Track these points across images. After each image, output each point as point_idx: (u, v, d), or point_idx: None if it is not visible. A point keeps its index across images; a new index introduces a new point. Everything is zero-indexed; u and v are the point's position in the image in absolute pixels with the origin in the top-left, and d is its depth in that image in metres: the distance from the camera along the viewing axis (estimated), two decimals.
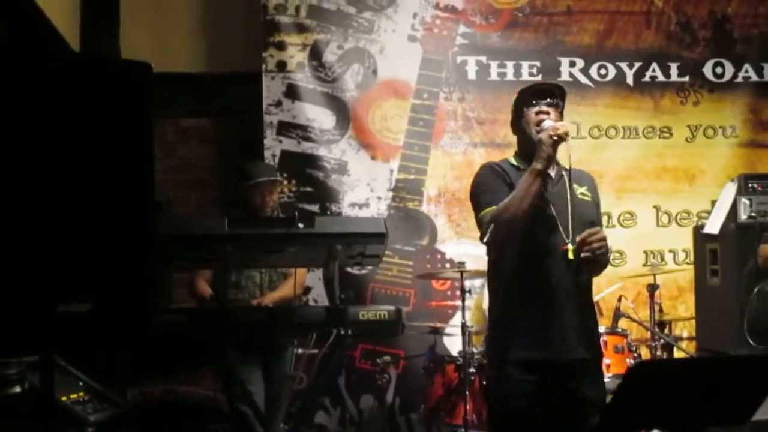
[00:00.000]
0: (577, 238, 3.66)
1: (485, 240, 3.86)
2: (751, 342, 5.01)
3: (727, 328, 5.76)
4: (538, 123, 3.81)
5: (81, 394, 4.33)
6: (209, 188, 6.75)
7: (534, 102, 3.88)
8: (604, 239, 3.70)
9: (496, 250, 3.94)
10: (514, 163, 3.98)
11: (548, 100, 3.87)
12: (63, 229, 2.54)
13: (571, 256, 3.73)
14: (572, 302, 3.78)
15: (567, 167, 3.85)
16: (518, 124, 3.98)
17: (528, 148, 3.86)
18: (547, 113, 3.83)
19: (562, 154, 3.82)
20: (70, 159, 2.56)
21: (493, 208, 3.78)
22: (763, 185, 5.94)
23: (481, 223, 3.89)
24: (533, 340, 3.76)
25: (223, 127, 6.75)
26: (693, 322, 6.41)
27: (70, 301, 2.51)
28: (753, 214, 5.81)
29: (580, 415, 3.80)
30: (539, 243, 3.80)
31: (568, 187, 3.81)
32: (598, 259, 3.74)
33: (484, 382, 5.30)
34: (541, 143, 3.72)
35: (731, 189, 6.03)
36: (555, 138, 3.69)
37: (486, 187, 3.93)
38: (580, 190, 3.90)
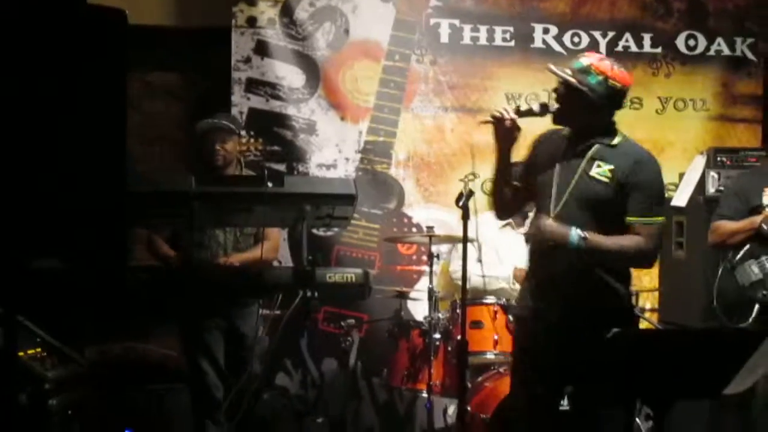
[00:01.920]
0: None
1: None
2: (727, 322, 5.01)
3: (691, 302, 5.77)
4: None
5: (39, 350, 4.27)
6: (174, 145, 6.63)
7: None
8: (548, 231, 3.83)
9: None
10: (565, 132, 4.03)
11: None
12: (30, 180, 2.45)
13: None
14: (555, 282, 3.87)
15: (610, 143, 3.92)
16: None
17: None
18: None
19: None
20: (38, 108, 2.47)
21: None
22: (731, 159, 5.93)
23: None
24: (532, 305, 3.99)
25: (190, 82, 6.62)
26: (656, 294, 6.42)
27: (38, 257, 2.42)
28: (721, 188, 5.79)
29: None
30: (539, 212, 3.97)
31: (583, 164, 3.87)
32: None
33: None
34: None
35: (700, 162, 6.01)
36: (485, 123, 3.94)
37: None
38: (600, 169, 3.85)
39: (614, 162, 3.85)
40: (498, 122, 3.86)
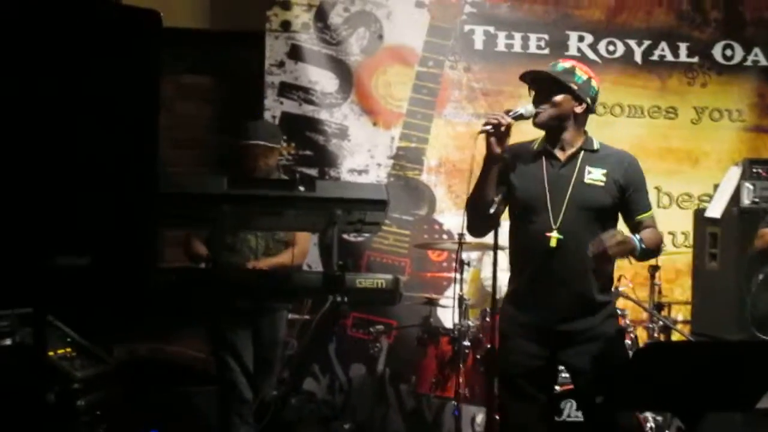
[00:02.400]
0: (590, 248, 3.65)
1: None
2: (758, 333, 4.96)
3: (724, 314, 5.72)
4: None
5: (68, 350, 4.28)
6: (206, 148, 6.64)
7: (531, 88, 3.93)
8: (621, 242, 3.65)
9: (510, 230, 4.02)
10: (537, 144, 3.97)
11: (540, 87, 3.88)
12: (63, 179, 2.45)
13: (553, 244, 3.78)
14: (562, 288, 3.80)
15: (592, 148, 3.91)
16: None
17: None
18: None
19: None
20: (72, 105, 2.47)
21: None
22: (767, 171, 5.89)
23: None
24: (526, 321, 3.87)
25: (223, 85, 6.63)
26: (688, 306, 6.36)
27: (66, 254, 2.42)
28: (756, 200, 5.76)
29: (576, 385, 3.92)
30: (530, 227, 3.85)
31: (576, 172, 3.84)
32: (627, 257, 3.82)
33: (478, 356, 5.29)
34: None
35: (735, 173, 5.97)
36: (484, 132, 3.74)
37: None
38: (593, 174, 3.84)
39: (604, 166, 3.86)
40: (496, 129, 3.74)
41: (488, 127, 3.74)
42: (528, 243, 3.87)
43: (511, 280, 4.01)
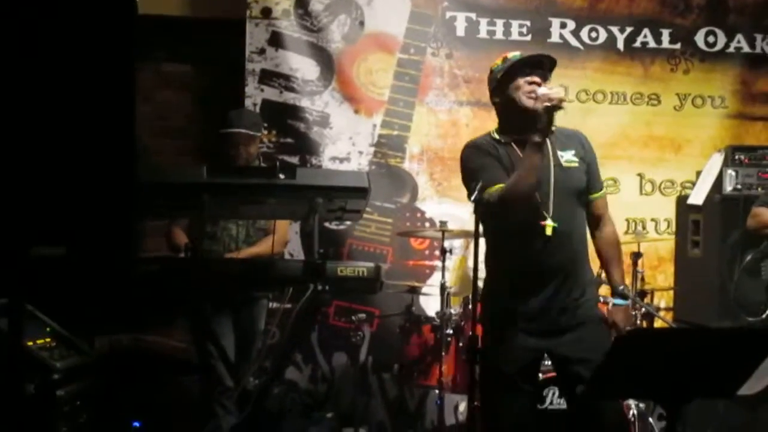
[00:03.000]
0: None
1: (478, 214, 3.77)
2: (747, 318, 4.97)
3: (707, 300, 5.73)
4: (531, 92, 3.74)
5: (48, 340, 4.26)
6: (186, 136, 6.60)
7: (527, 71, 3.82)
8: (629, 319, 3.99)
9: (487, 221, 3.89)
10: (497, 137, 3.92)
11: (540, 71, 3.84)
12: (38, 168, 2.41)
13: (549, 232, 3.76)
14: (555, 278, 3.80)
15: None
16: (504, 93, 3.87)
17: (514, 118, 3.82)
18: (539, 84, 3.80)
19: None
20: (45, 93, 2.43)
21: (499, 186, 3.70)
22: (749, 157, 5.91)
23: (480, 202, 3.70)
24: (525, 312, 3.82)
25: (203, 73, 6.59)
26: (671, 292, 6.37)
27: (42, 244, 2.39)
28: (738, 186, 5.78)
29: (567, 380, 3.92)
30: (520, 218, 3.77)
31: (551, 157, 3.82)
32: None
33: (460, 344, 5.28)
34: (537, 113, 3.64)
35: (717, 160, 5.98)
36: (550, 106, 3.63)
37: (480, 166, 3.84)
38: (566, 156, 3.86)
39: (570, 147, 3.89)
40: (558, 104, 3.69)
41: (552, 103, 3.64)
42: (519, 234, 3.81)
43: (499, 275, 3.94)
